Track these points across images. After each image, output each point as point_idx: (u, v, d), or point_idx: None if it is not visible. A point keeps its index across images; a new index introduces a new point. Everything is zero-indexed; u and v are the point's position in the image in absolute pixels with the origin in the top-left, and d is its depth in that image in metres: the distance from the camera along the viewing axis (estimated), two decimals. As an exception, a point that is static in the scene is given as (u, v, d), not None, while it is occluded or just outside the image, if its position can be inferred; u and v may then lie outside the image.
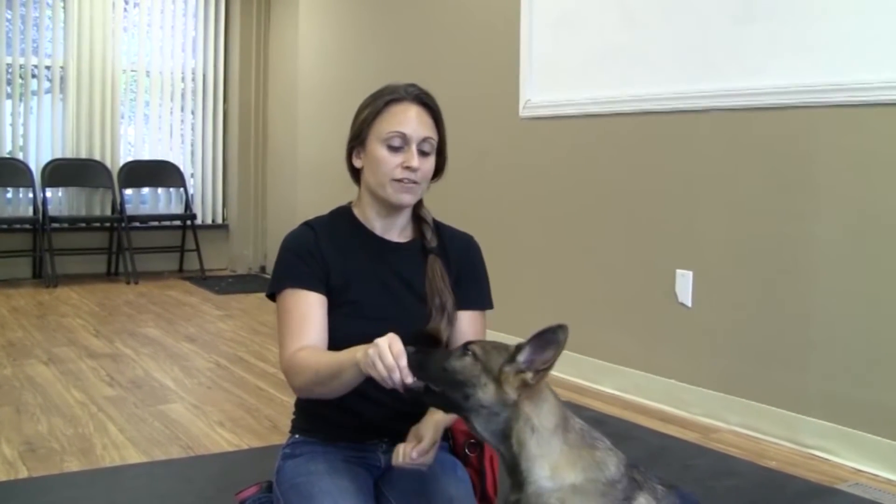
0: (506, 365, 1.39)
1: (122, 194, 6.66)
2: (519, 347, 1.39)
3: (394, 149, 1.72)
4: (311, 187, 6.29)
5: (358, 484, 1.70)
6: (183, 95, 7.10)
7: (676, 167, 3.51)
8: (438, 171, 1.82)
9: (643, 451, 2.82)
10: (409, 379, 1.40)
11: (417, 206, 1.85)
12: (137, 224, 6.80)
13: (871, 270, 2.85)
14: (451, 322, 1.76)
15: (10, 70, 6.39)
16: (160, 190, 7.00)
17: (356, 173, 1.82)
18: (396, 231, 1.82)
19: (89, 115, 6.61)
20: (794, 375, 3.06)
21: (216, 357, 4.25)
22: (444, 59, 4.81)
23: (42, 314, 5.21)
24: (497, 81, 4.39)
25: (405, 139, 1.72)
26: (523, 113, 4.24)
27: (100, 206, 6.72)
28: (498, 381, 1.39)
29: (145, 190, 7.00)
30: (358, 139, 1.78)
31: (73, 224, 6.61)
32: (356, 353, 1.50)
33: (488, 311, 1.88)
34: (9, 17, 6.41)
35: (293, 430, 1.86)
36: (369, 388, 1.56)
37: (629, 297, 3.72)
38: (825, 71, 2.95)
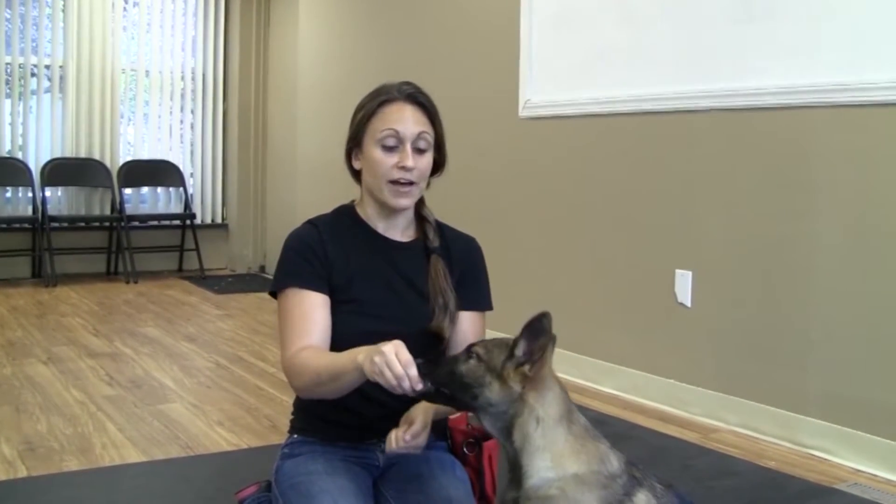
0: (506, 361, 1.43)
1: (121, 194, 6.66)
2: (515, 342, 1.43)
3: (388, 149, 1.72)
4: (310, 187, 6.29)
5: (357, 483, 1.70)
6: (182, 95, 7.10)
7: (676, 167, 3.51)
8: (439, 167, 1.82)
9: (643, 451, 2.82)
10: (419, 386, 1.42)
11: (420, 206, 1.85)
12: (137, 223, 6.79)
13: (870, 270, 2.86)
14: (454, 321, 1.77)
15: (9, 69, 6.39)
16: (160, 189, 7.00)
17: (357, 174, 1.82)
18: (399, 230, 1.83)
19: (89, 114, 6.61)
20: (794, 375, 3.06)
21: (215, 356, 4.25)
22: (443, 58, 4.81)
23: (41, 314, 5.21)
24: (497, 81, 4.39)
25: (399, 138, 1.72)
26: (523, 113, 4.24)
27: (99, 205, 6.72)
28: (502, 377, 1.43)
29: (145, 189, 6.99)
30: (354, 141, 1.79)
31: (73, 223, 6.61)
32: (357, 356, 1.49)
33: (488, 313, 1.89)
34: (8, 16, 6.41)
35: (291, 430, 1.86)
36: (368, 387, 1.56)
37: (628, 297, 3.72)
38: (824, 71, 2.95)
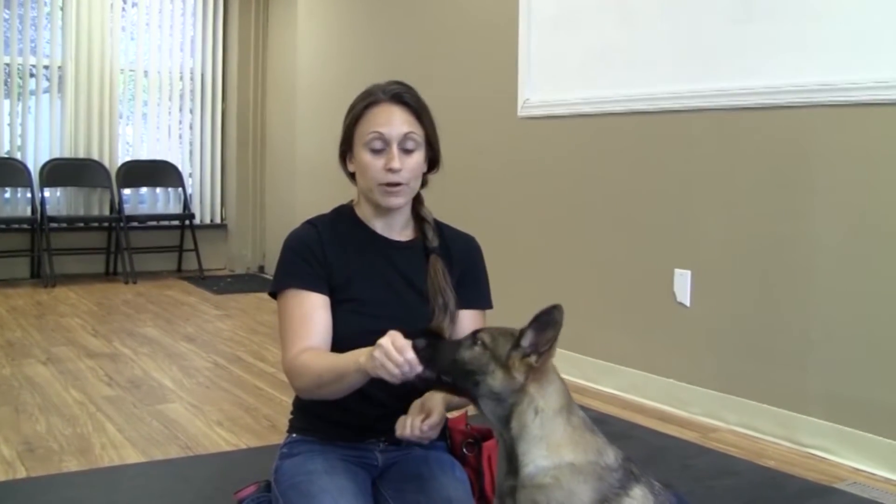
0: (512, 351, 1.44)
1: (120, 194, 6.66)
2: (522, 332, 1.44)
3: (376, 151, 1.73)
4: (309, 187, 6.28)
5: (357, 483, 1.70)
6: (181, 95, 7.10)
7: (675, 167, 3.51)
8: (434, 164, 1.82)
9: (642, 450, 2.82)
10: (419, 368, 1.42)
11: (418, 206, 1.85)
12: (136, 224, 6.78)
13: (869, 270, 2.86)
14: (454, 321, 1.77)
15: (8, 70, 6.39)
16: (158, 190, 6.99)
17: (353, 176, 1.82)
18: (397, 230, 1.83)
19: (87, 114, 6.61)
20: (793, 375, 3.06)
21: (215, 357, 4.25)
22: (442, 58, 4.81)
23: (40, 314, 5.21)
24: (495, 81, 4.39)
25: (384, 140, 1.72)
26: (521, 112, 4.24)
27: (98, 205, 6.72)
28: (506, 366, 1.43)
29: (144, 190, 6.99)
30: (346, 145, 1.80)
31: (72, 224, 6.61)
32: (359, 357, 1.50)
33: (488, 312, 1.89)
34: (7, 16, 6.41)
35: (290, 430, 1.86)
36: (368, 387, 1.56)
37: (628, 297, 3.72)
38: (823, 70, 2.95)
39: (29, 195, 6.41)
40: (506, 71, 4.29)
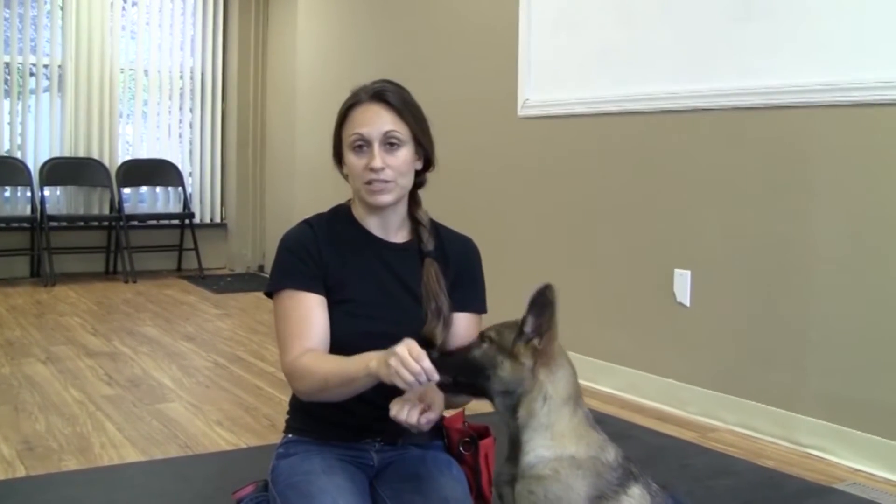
0: (517, 339, 1.48)
1: (120, 193, 6.66)
2: (524, 319, 1.48)
3: (359, 152, 1.73)
4: (309, 186, 6.28)
5: (355, 483, 1.70)
6: (181, 94, 7.10)
7: (675, 167, 3.51)
8: (428, 163, 1.81)
9: (641, 450, 2.82)
10: (436, 376, 1.44)
11: (414, 208, 1.84)
12: (135, 223, 6.79)
13: (869, 270, 2.86)
14: (447, 325, 1.76)
15: (8, 69, 6.39)
16: (158, 189, 6.99)
17: (347, 178, 1.82)
18: (392, 231, 1.82)
19: (87, 113, 6.61)
20: (792, 375, 3.07)
21: (214, 356, 4.25)
22: (442, 58, 4.81)
23: (40, 313, 5.21)
24: (495, 81, 4.39)
25: (365, 139, 1.72)
26: (522, 112, 4.24)
27: (98, 204, 6.72)
28: (513, 355, 1.47)
29: (143, 189, 6.99)
30: (337, 147, 1.80)
31: (72, 223, 6.61)
32: (369, 362, 1.50)
33: (484, 315, 1.88)
34: (7, 16, 6.41)
35: (287, 430, 1.86)
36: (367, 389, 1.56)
37: (627, 297, 3.73)
38: (824, 70, 2.95)
39: (29, 194, 6.41)
40: (506, 71, 4.29)
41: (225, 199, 7.34)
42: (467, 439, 1.83)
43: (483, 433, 1.83)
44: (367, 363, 1.51)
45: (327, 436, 1.78)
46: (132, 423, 3.15)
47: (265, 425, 3.15)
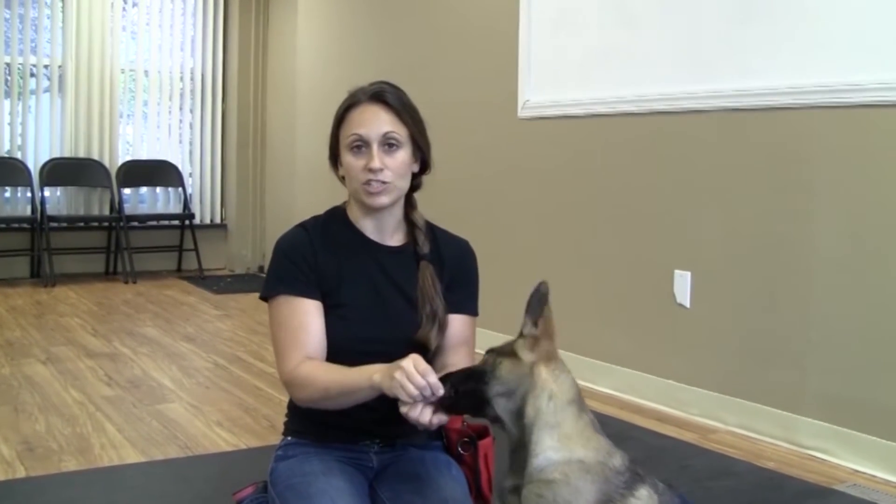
0: (517, 340, 1.48)
1: (120, 194, 6.66)
2: (523, 323, 1.48)
3: (357, 153, 1.72)
4: (309, 187, 6.28)
5: (354, 484, 1.70)
6: (181, 95, 7.11)
7: (675, 167, 3.51)
8: (424, 165, 1.81)
9: (641, 451, 2.81)
10: (441, 391, 1.44)
11: (410, 211, 1.84)
12: (136, 223, 6.79)
13: (868, 271, 2.86)
14: (442, 330, 1.76)
15: (8, 69, 6.39)
16: (158, 189, 7.00)
17: (343, 180, 1.82)
18: (388, 233, 1.81)
19: (88, 114, 6.61)
20: (792, 376, 3.06)
21: (214, 357, 4.25)
22: (442, 59, 4.81)
23: (40, 313, 5.21)
24: (496, 82, 4.39)
25: (363, 140, 1.71)
26: (522, 113, 4.24)
27: (98, 205, 6.72)
28: (512, 353, 1.47)
29: (144, 189, 7.00)
30: (334, 149, 1.79)
31: (72, 223, 6.61)
32: (373, 375, 1.50)
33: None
34: (7, 16, 6.41)
35: (285, 433, 1.85)
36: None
37: (627, 298, 3.72)
38: (823, 71, 2.95)
39: (29, 194, 6.42)
40: (506, 72, 4.29)
41: (225, 199, 7.34)
42: (466, 439, 1.82)
43: (482, 433, 1.83)
44: (370, 375, 1.51)
45: (326, 438, 1.77)
46: (132, 423, 3.15)
47: (265, 426, 3.15)
